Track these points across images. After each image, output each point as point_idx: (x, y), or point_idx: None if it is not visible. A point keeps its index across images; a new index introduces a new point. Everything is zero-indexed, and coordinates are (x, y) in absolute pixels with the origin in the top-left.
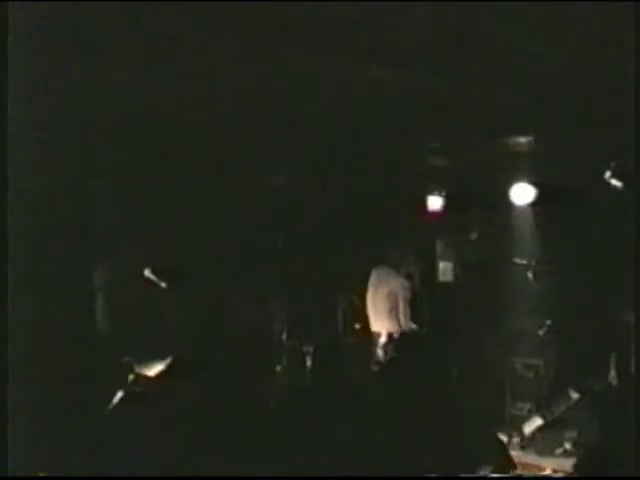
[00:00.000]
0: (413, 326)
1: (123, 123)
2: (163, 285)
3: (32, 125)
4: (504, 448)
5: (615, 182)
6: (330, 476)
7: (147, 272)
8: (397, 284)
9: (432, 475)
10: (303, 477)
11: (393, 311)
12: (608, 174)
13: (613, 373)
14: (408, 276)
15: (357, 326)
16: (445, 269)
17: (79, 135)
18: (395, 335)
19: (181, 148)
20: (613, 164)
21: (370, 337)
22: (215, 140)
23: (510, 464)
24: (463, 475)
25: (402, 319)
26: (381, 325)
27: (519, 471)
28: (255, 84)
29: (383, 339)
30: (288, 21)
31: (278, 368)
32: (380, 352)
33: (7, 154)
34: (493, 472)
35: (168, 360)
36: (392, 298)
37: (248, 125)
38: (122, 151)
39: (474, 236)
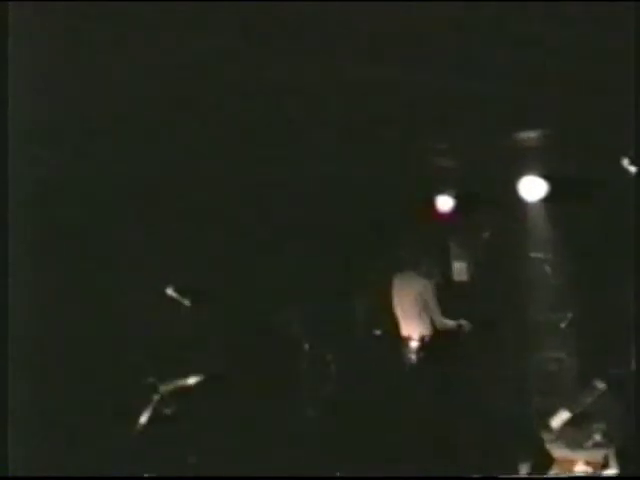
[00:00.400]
0: (451, 323)
1: (128, 128)
2: (186, 303)
3: (32, 125)
4: (541, 444)
5: (633, 169)
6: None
7: (170, 291)
8: (422, 286)
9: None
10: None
11: (423, 313)
12: (626, 161)
13: (635, 363)
14: (429, 275)
15: (377, 332)
16: (460, 269)
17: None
18: (427, 338)
19: (195, 162)
20: (631, 151)
21: (395, 342)
22: (228, 152)
23: (549, 460)
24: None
25: (436, 319)
26: (413, 329)
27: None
28: (259, 88)
29: (415, 343)
30: (284, 22)
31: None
32: (413, 356)
33: (7, 154)
34: (533, 469)
35: (195, 378)
36: (420, 300)
37: (262, 134)
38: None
39: (486, 234)
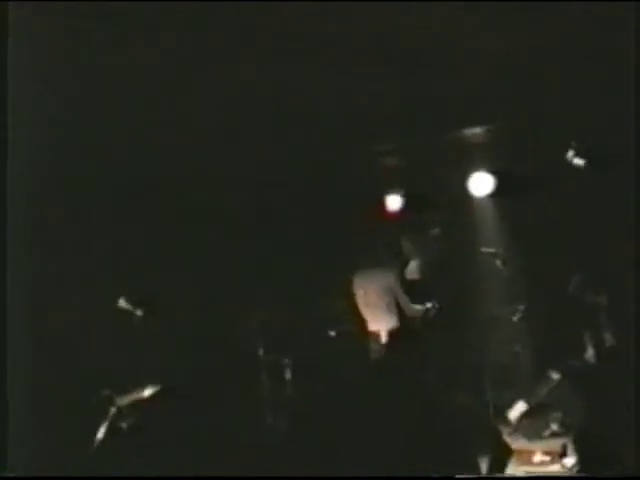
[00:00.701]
0: (420, 308)
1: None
2: (139, 313)
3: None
4: (499, 436)
5: (578, 161)
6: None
7: (122, 302)
8: (388, 278)
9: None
10: (304, 477)
11: (392, 305)
12: (570, 154)
13: (591, 351)
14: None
15: (332, 333)
16: (411, 267)
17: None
18: (394, 331)
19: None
20: (574, 143)
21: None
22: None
23: (507, 452)
24: (462, 476)
25: (407, 307)
26: (380, 324)
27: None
28: (220, 98)
29: (384, 337)
30: (241, 27)
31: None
32: (380, 352)
33: (7, 154)
34: (492, 462)
35: (151, 390)
36: (389, 293)
37: (212, 142)
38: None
39: (436, 231)
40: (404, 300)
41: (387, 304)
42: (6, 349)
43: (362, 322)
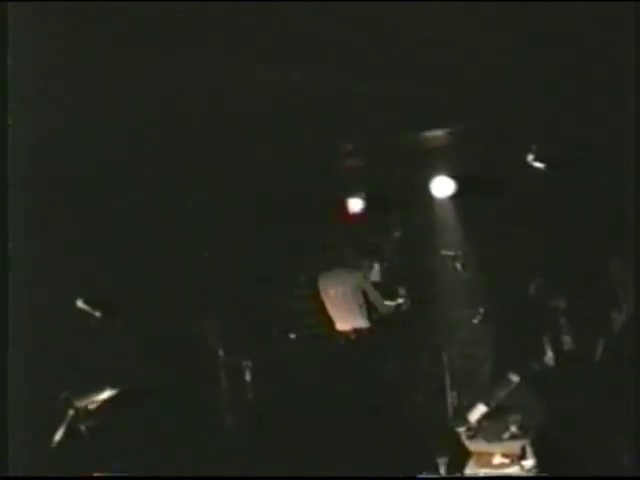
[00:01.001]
0: (392, 304)
1: None
2: (97, 314)
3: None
4: (457, 438)
5: (538, 165)
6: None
7: (80, 303)
8: (358, 278)
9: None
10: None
11: (363, 305)
12: (530, 157)
13: (550, 354)
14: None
15: (292, 336)
16: (374, 270)
17: None
18: (363, 330)
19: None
20: (534, 147)
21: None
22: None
23: (465, 454)
24: (459, 476)
25: (379, 304)
26: (351, 324)
27: (472, 460)
28: (171, 93)
29: (353, 336)
30: (197, 25)
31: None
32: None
33: (7, 154)
34: (450, 464)
35: (110, 392)
36: (359, 292)
37: (165, 141)
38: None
39: (397, 234)
40: (376, 297)
41: (358, 305)
42: (6, 349)
43: (329, 323)
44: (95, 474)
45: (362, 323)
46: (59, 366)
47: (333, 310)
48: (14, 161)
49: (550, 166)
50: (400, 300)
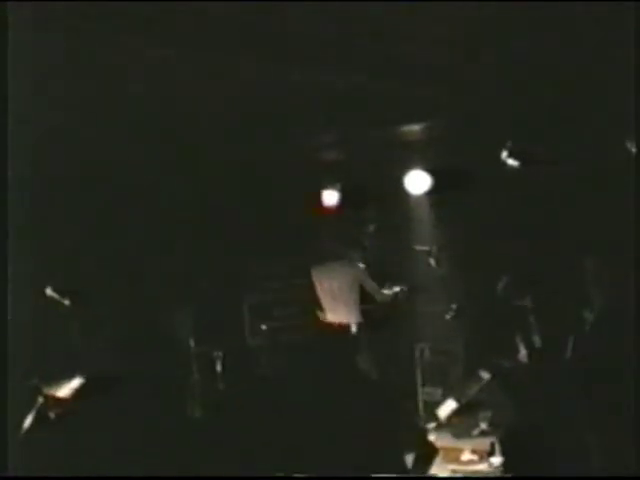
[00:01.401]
0: (389, 293)
1: None
2: (66, 302)
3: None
4: (423, 434)
5: (512, 162)
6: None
7: (49, 291)
8: (356, 270)
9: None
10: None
11: (358, 301)
12: (505, 154)
13: (524, 352)
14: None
15: (264, 327)
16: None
17: None
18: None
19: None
20: (509, 144)
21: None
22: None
23: (431, 448)
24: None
25: (377, 294)
26: (344, 317)
27: (440, 455)
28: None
29: (354, 328)
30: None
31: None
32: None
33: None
34: (417, 459)
35: (79, 380)
36: (356, 287)
37: (140, 129)
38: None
39: (372, 228)
40: (373, 287)
41: (354, 299)
42: (6, 348)
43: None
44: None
45: (354, 318)
46: (28, 354)
47: (327, 301)
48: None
49: (524, 163)
50: (397, 289)
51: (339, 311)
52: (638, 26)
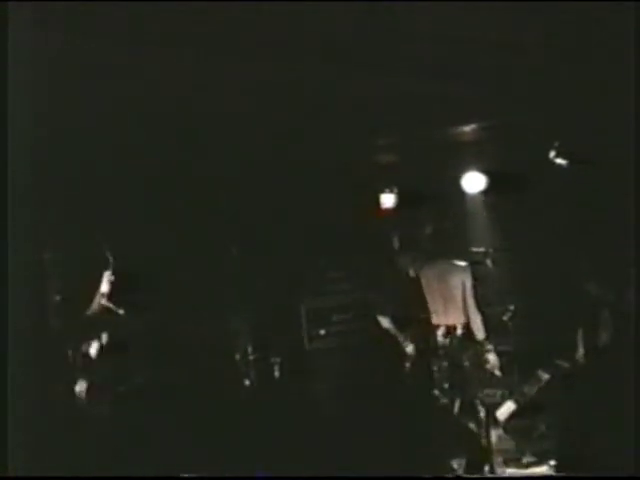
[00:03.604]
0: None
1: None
2: (121, 312)
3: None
4: (476, 438)
5: (560, 161)
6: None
7: (104, 301)
8: (465, 273)
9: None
10: (303, 477)
11: (462, 300)
12: (552, 154)
13: (582, 351)
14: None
15: (322, 332)
16: (406, 264)
17: None
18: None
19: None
20: (557, 144)
21: None
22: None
23: (484, 453)
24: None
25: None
26: (455, 317)
27: (498, 458)
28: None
29: (457, 331)
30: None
31: (247, 382)
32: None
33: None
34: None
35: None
36: (462, 287)
37: (197, 134)
38: None
39: (429, 229)
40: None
41: (462, 297)
42: (6, 348)
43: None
44: None
45: (463, 317)
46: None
47: (437, 301)
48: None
49: (572, 163)
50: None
51: (445, 312)
52: (638, 26)
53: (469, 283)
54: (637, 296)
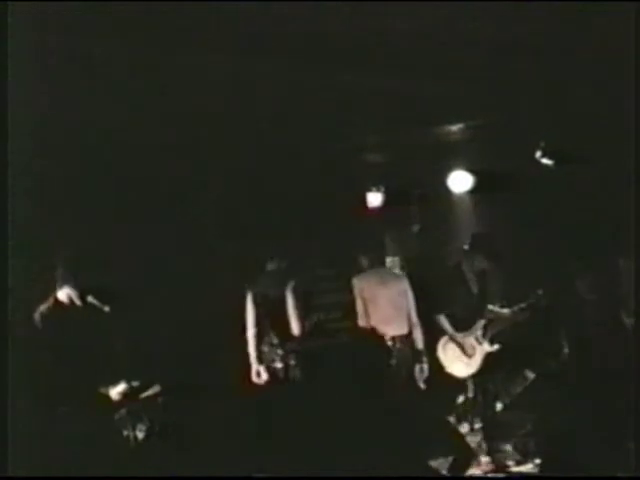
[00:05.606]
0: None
1: None
2: (106, 309)
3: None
4: (460, 436)
5: (546, 161)
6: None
7: (90, 298)
8: (405, 282)
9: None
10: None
11: (404, 310)
12: (538, 154)
13: (566, 350)
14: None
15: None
16: (393, 263)
17: None
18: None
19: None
20: (542, 144)
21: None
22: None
23: (468, 451)
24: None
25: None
26: (393, 328)
27: (482, 457)
28: (184, 89)
29: (395, 342)
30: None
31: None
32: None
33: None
34: (454, 462)
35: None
36: (402, 296)
37: (179, 133)
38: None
39: (416, 228)
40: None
41: (406, 307)
42: (7, 348)
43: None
44: None
45: (405, 329)
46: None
47: (377, 314)
48: (14, 160)
49: (558, 163)
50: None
51: (390, 323)
52: (638, 26)
53: (410, 292)
54: (637, 296)
